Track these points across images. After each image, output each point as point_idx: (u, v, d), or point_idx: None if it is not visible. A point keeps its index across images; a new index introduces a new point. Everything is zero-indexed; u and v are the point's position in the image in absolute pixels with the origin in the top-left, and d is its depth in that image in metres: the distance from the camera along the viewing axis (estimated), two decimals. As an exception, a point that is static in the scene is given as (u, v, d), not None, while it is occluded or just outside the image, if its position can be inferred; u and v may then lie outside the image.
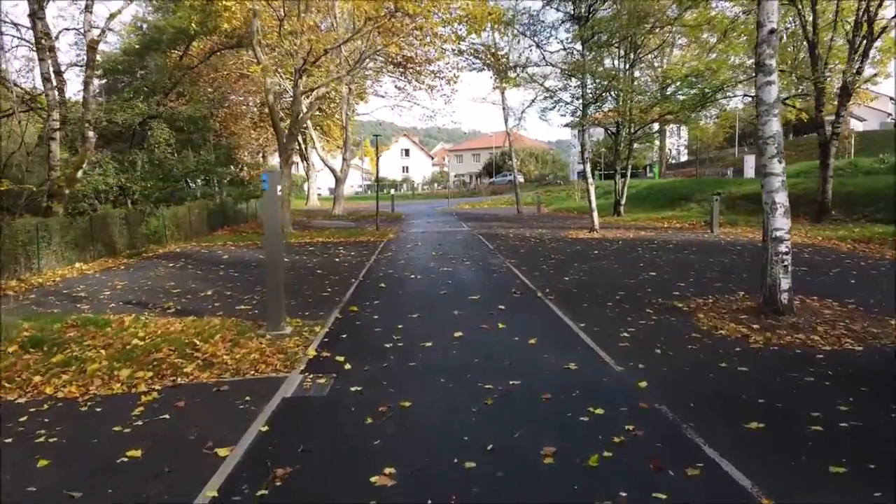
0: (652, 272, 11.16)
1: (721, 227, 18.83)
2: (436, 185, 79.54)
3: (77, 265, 13.51)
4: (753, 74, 23.49)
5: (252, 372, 5.81)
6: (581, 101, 19.66)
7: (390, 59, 21.33)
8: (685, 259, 12.88)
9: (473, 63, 33.68)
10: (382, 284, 10.55)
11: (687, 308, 8.15)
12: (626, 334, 6.85)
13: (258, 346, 6.60)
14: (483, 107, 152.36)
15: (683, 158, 69.14)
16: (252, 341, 6.80)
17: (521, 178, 55.32)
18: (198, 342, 6.60)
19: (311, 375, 5.66)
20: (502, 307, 8.40)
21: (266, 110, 26.80)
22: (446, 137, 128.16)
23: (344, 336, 7.13)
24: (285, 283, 10.84)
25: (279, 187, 7.36)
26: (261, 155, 41.32)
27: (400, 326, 7.46)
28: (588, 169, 19.66)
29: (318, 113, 47.68)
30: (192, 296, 9.89)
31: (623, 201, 27.25)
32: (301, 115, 21.17)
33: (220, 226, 25.24)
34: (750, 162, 38.51)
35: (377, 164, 23.35)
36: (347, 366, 5.90)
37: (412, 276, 11.38)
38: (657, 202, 29.41)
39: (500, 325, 7.34)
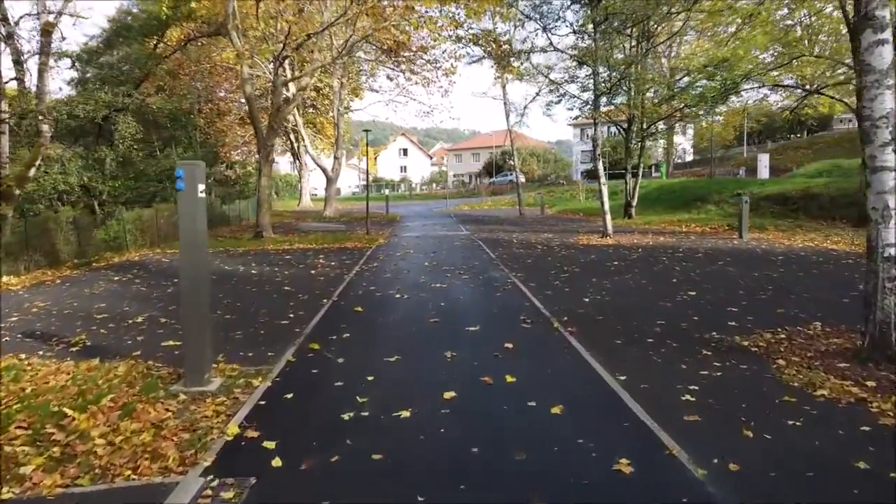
0: (690, 290, 9.11)
1: (749, 233, 16.77)
2: (434, 185, 77.55)
3: (4, 279, 11.46)
4: (778, 65, 21.48)
5: (128, 471, 3.76)
6: (593, 91, 17.62)
7: (381, 46, 19.29)
8: (724, 272, 10.83)
9: (472, 54, 31.71)
10: (359, 308, 8.49)
11: (756, 348, 6.11)
12: (688, 396, 4.80)
13: (158, 417, 4.55)
14: (483, 106, 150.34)
15: (689, 158, 67.20)
16: (155, 407, 4.76)
17: (522, 178, 53.22)
18: (70, 412, 4.54)
19: (217, 482, 3.61)
20: (509, 345, 6.35)
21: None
22: (446, 137, 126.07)
23: (289, 396, 5.07)
24: (240, 305, 8.85)
25: (201, 186, 5.34)
26: (252, 154, 39.10)
27: (370, 378, 5.42)
28: (600, 166, 17.62)
29: (311, 110, 45.72)
30: (116, 324, 7.84)
31: (634, 203, 25.20)
32: (282, 107, 19.13)
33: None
34: (764, 161, 36.58)
35: (368, 162, 21.27)
36: (277, 461, 3.84)
37: (397, 296, 9.32)
38: (669, 203, 27.36)
39: (509, 379, 5.29)
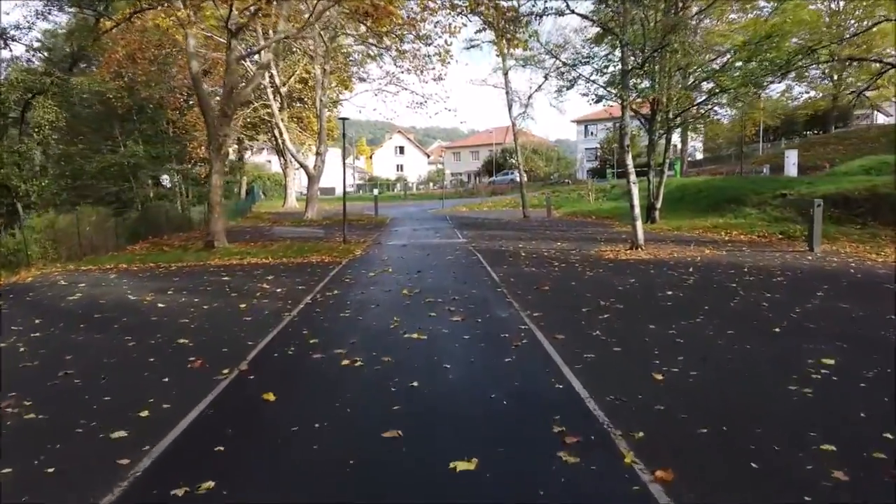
0: (823, 357, 5.54)
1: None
2: (431, 184, 73.90)
3: None
4: (853, 35, 17.95)
5: None
6: (620, 66, 14.12)
7: (355, 11, 15.74)
8: (839, 313, 7.30)
9: (472, 38, 28.12)
10: (270, 395, 4.92)
11: None
12: None
13: None
14: (483, 103, 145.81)
15: (699, 156, 63.65)
16: None
17: (524, 178, 49.13)
18: None
19: None
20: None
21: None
22: (445, 136, 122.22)
23: None
24: (79, 382, 5.11)
25: None
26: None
27: None
28: (629, 160, 14.08)
29: (297, 104, 42.11)
30: None
31: (658, 205, 21.71)
32: (237, 88, 15.60)
33: (148, 236, 19.72)
34: (792, 157, 33.13)
35: (343, 155, 17.76)
36: None
37: (345, 363, 5.77)
38: (696, 205, 23.82)
39: None
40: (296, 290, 9.75)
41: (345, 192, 18.03)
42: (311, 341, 6.59)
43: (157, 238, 19.74)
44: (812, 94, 41.11)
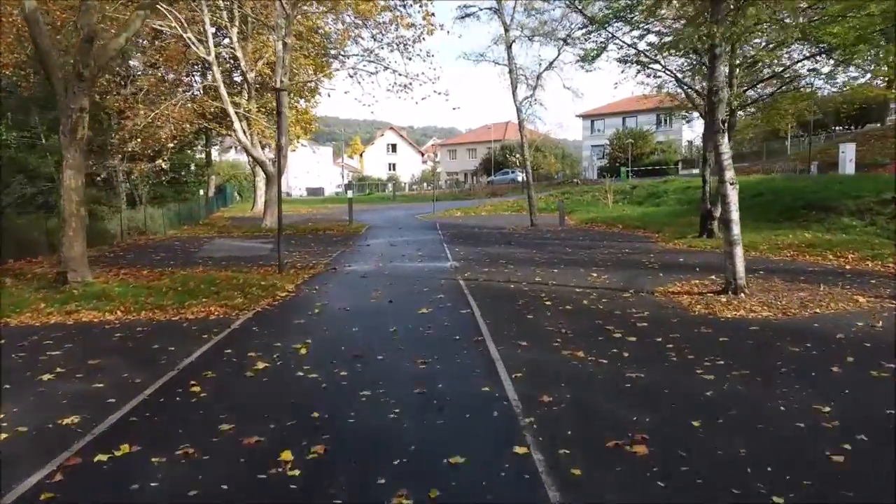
0: None
1: None
2: (425, 184, 68.18)
3: None
4: None
5: None
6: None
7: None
8: None
9: (465, 6, 22.64)
10: None
11: None
12: None
13: None
14: (480, 94, 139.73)
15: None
16: None
17: (520, 177, 43.20)
18: None
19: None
20: None
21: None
22: (443, 136, 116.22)
23: None
24: None
25: None
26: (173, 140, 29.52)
27: None
28: (724, 146, 8.48)
29: (270, 94, 36.39)
30: None
31: (718, 213, 16.11)
32: (102, 38, 9.97)
33: (9, 258, 14.06)
34: (849, 153, 27.61)
35: (281, 137, 12.29)
36: None
37: None
38: (760, 212, 18.08)
39: None
40: (43, 439, 4.12)
41: (280, 193, 12.43)
42: None
43: (25, 260, 14.11)
44: (861, 80, 35.29)
